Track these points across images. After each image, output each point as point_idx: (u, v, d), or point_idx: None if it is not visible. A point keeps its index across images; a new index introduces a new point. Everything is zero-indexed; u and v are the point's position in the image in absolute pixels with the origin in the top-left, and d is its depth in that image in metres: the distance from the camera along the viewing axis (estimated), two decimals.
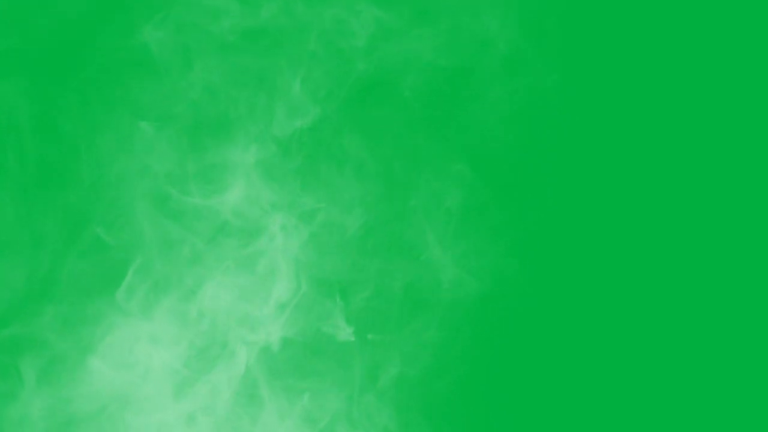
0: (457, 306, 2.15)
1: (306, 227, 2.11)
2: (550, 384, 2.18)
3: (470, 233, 2.16)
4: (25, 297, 2.05)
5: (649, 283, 2.21)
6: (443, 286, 2.14)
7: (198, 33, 2.12)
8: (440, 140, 2.18)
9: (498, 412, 2.17)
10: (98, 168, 2.09)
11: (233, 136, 2.12)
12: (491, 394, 2.17)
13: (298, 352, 2.10)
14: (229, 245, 2.09)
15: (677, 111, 2.24)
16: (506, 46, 2.20)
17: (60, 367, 2.03)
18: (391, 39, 2.16)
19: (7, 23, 2.09)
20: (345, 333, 2.11)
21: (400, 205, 2.15)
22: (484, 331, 2.17)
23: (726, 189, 2.24)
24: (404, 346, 2.13)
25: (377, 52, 2.16)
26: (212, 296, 2.07)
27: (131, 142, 2.09)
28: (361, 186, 2.14)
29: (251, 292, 2.08)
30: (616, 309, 2.20)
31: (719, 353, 2.19)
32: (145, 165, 2.09)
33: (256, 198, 2.10)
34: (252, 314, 2.07)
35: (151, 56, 2.11)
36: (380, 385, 2.11)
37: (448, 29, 2.18)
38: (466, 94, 2.19)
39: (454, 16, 2.19)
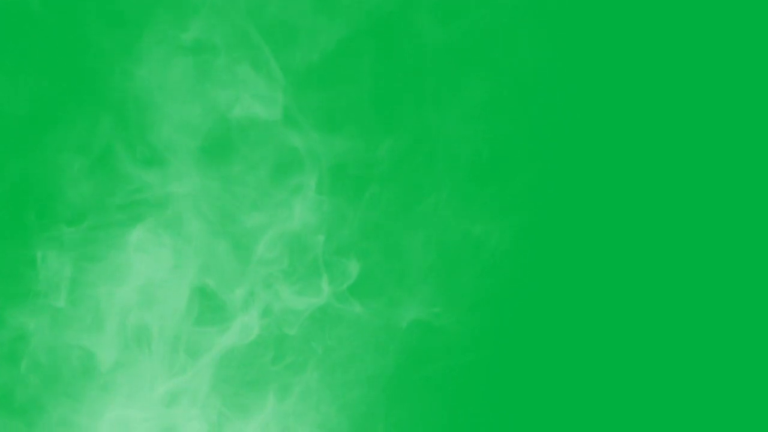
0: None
1: (326, 159, 2.08)
2: (547, 373, 2.16)
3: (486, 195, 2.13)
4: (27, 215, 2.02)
5: (652, 272, 2.19)
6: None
7: None
8: (457, 76, 2.15)
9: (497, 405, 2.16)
10: (122, 87, 2.06)
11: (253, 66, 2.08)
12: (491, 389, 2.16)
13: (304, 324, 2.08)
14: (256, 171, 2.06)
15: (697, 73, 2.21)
16: None
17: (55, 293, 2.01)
18: None
19: None
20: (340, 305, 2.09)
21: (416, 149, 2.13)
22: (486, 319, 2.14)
23: (739, 159, 2.20)
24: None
25: None
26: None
27: (160, 68, 2.07)
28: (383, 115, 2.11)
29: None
30: (620, 303, 2.18)
31: (721, 344, 2.17)
32: (166, 87, 2.06)
33: (276, 118, 2.07)
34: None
35: None
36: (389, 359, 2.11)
37: None
38: (483, 26, 2.16)
39: None
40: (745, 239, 2.18)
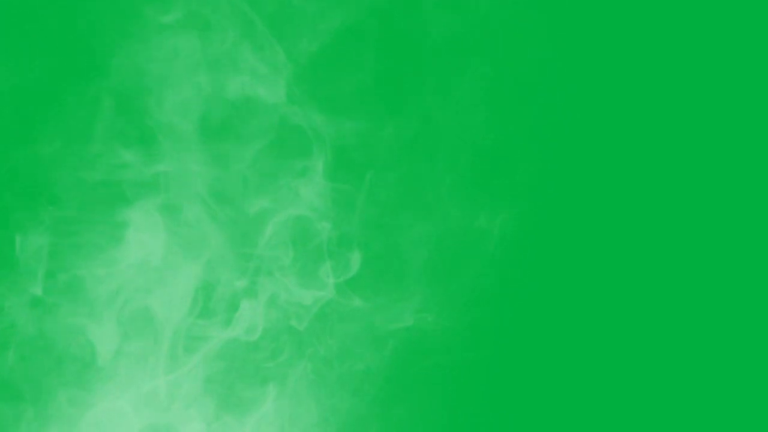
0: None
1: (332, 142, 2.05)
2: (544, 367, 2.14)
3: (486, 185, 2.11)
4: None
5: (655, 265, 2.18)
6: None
7: None
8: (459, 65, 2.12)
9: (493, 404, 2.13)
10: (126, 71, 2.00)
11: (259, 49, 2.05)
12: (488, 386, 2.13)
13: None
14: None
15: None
16: None
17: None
18: None
19: None
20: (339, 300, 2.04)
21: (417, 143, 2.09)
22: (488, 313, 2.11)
23: (737, 152, 2.21)
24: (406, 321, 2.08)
25: None
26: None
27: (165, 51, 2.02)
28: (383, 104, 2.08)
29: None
30: (623, 299, 2.16)
31: (721, 331, 2.17)
32: (167, 69, 2.01)
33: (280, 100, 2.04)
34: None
35: None
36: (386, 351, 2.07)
37: None
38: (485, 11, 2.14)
39: None
40: (743, 227, 2.20)
